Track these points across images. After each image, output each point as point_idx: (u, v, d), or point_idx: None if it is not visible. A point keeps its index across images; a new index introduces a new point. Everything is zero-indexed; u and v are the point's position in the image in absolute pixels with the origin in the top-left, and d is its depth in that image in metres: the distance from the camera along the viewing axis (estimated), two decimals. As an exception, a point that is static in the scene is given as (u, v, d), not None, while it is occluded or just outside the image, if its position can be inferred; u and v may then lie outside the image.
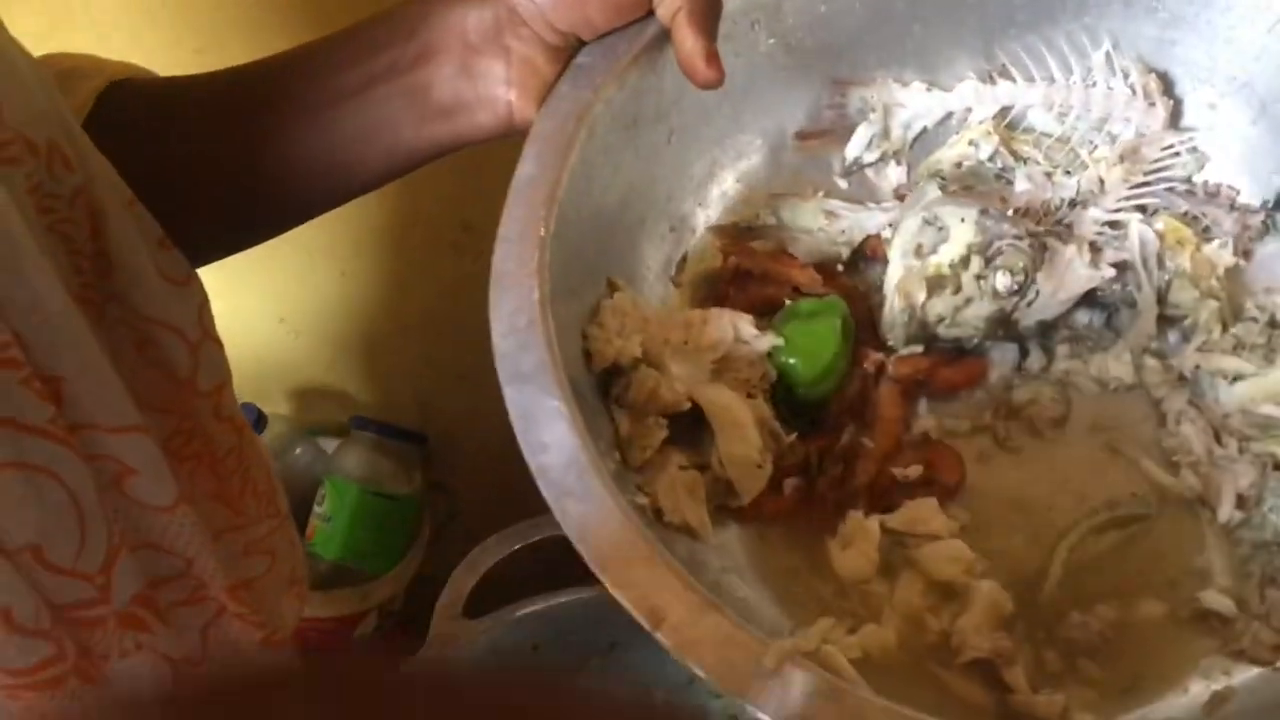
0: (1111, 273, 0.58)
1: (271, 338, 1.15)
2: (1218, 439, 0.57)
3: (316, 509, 1.14)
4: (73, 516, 0.44)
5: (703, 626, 0.40)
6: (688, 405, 0.54)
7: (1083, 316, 0.61)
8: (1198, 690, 0.50)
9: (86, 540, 0.45)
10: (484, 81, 0.54)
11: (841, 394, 0.59)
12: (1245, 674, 0.50)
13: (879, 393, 0.59)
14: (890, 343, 0.61)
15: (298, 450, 1.20)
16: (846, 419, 0.59)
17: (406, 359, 1.18)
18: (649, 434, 0.54)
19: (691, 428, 0.56)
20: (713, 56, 0.52)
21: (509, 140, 0.55)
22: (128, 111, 0.57)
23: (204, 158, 0.59)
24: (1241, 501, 0.55)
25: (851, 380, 0.59)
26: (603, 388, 0.54)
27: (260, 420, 1.14)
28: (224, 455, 0.56)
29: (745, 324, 0.56)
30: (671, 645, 0.40)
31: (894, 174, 0.65)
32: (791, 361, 0.57)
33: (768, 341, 0.56)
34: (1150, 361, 0.59)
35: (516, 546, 0.59)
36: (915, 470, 0.57)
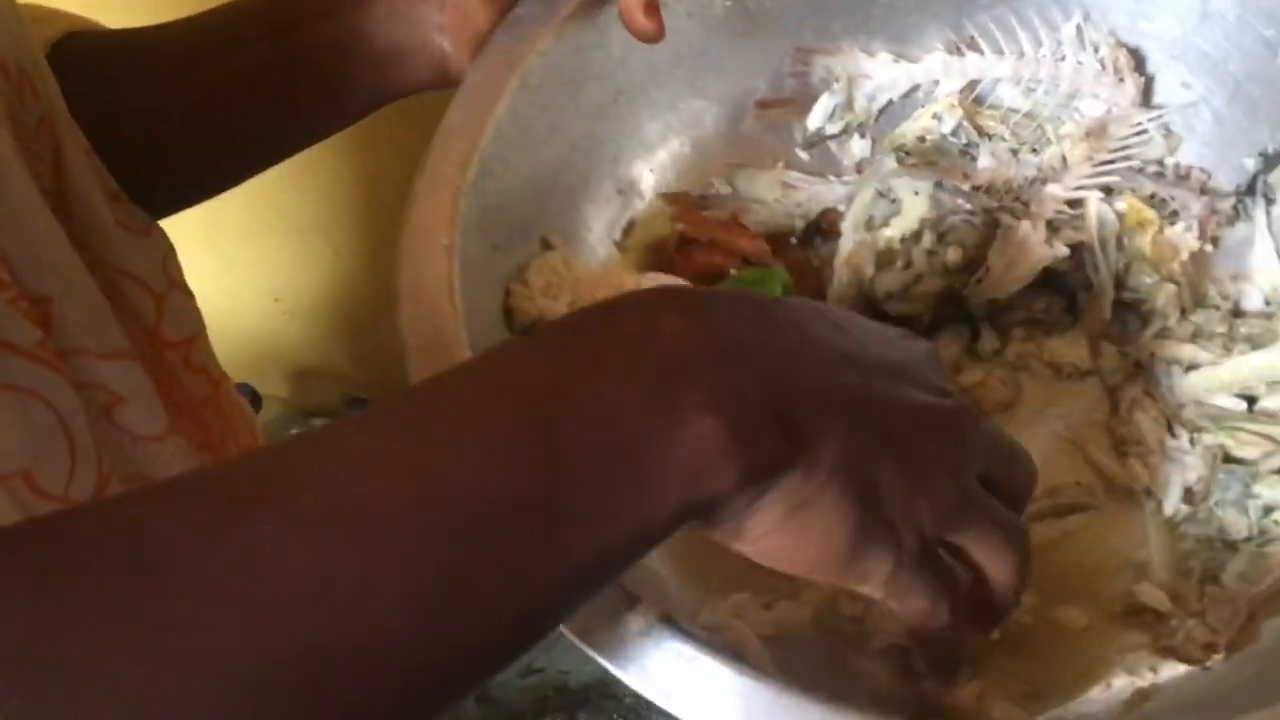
0: (1065, 251, 0.55)
1: (265, 317, 1.15)
2: (1170, 430, 0.54)
3: None
4: (62, 442, 0.43)
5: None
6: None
7: (1041, 300, 0.59)
8: (1121, 685, 0.48)
9: (77, 468, 0.44)
10: (417, 28, 0.53)
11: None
12: (1173, 672, 0.48)
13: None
14: (839, 318, 0.59)
15: (293, 432, 1.20)
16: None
17: (400, 340, 1.17)
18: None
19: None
20: (652, 8, 0.51)
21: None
22: (84, 61, 0.57)
23: (156, 109, 0.58)
24: (1189, 495, 0.53)
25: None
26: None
27: (256, 401, 1.15)
28: (200, 404, 0.56)
29: (680, 289, 0.55)
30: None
31: (857, 147, 0.63)
32: (726, 330, 0.55)
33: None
34: (1106, 348, 0.57)
35: None
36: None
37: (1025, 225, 0.56)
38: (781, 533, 0.33)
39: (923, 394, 0.37)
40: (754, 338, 0.34)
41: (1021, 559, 0.39)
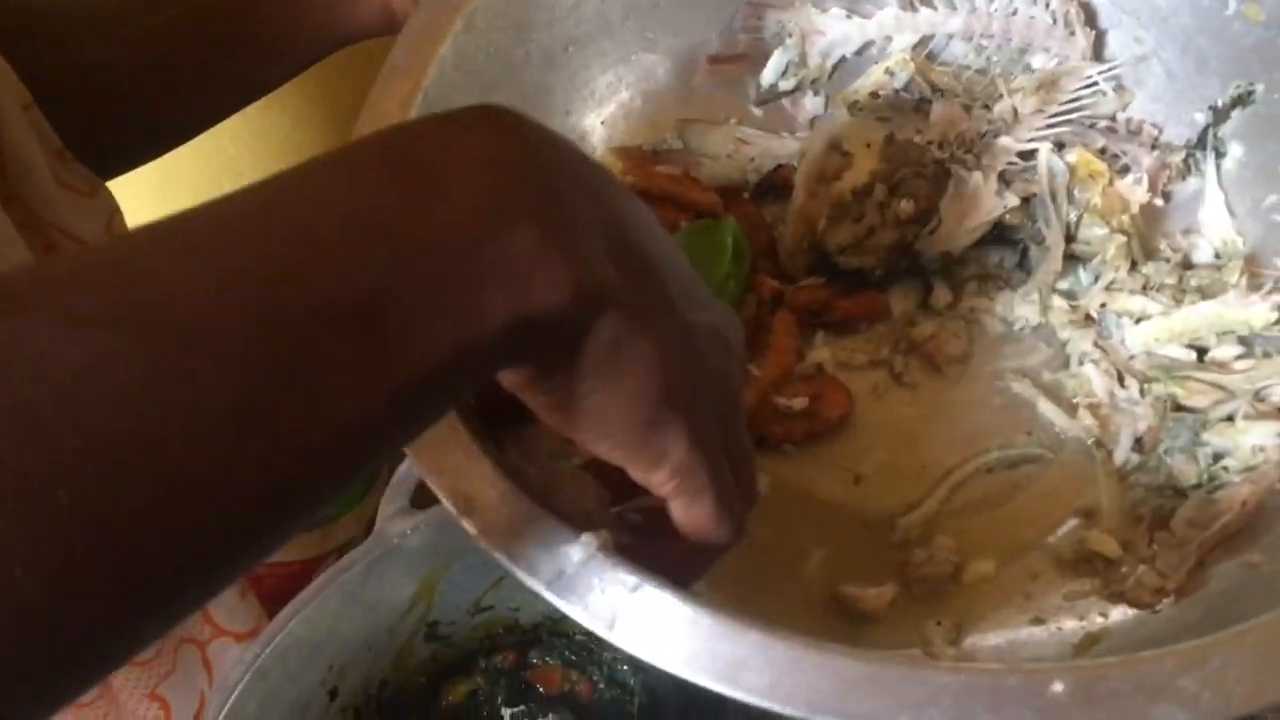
0: (1015, 201, 0.55)
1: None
2: (1120, 381, 0.54)
3: None
4: None
5: (513, 514, 0.38)
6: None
7: (994, 255, 0.59)
8: (1071, 629, 0.48)
9: None
10: None
11: (732, 319, 0.56)
12: (1122, 616, 0.48)
13: (773, 321, 0.57)
14: (791, 272, 0.58)
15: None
16: (736, 346, 0.56)
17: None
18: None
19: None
20: None
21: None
22: (25, 16, 0.56)
23: (100, 61, 0.57)
24: (1139, 444, 0.52)
25: (745, 306, 0.57)
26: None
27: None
28: None
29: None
30: (479, 532, 0.37)
31: (810, 104, 0.63)
32: (677, 280, 0.54)
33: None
34: (1058, 301, 0.57)
35: None
36: (800, 401, 0.54)
37: (977, 177, 0.56)
38: (599, 377, 0.32)
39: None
40: (586, 171, 0.33)
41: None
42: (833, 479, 0.53)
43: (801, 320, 0.57)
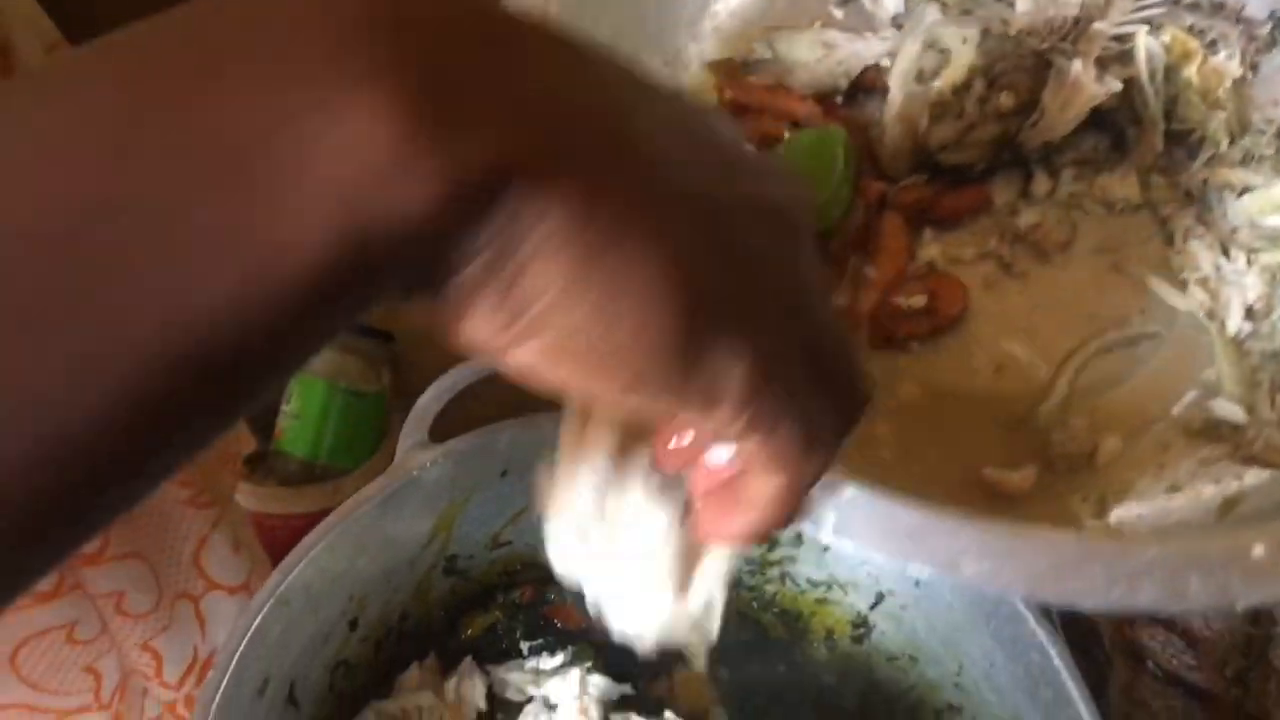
0: (1118, 86, 0.56)
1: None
2: (1225, 253, 0.56)
3: (284, 407, 1.14)
4: None
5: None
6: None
7: (1089, 140, 0.60)
8: (1210, 494, 0.50)
9: None
10: None
11: (845, 225, 0.58)
12: (1258, 478, 0.50)
13: (882, 223, 0.58)
14: (892, 174, 0.60)
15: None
16: (850, 250, 0.58)
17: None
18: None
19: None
20: None
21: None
22: None
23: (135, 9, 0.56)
24: (1250, 313, 0.55)
25: (855, 211, 0.58)
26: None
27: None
28: None
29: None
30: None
31: (891, 2, 0.63)
32: (794, 192, 0.55)
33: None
34: (1157, 180, 0.58)
35: (486, 374, 0.58)
36: (918, 300, 0.56)
37: (1076, 64, 0.57)
38: (573, 304, 0.22)
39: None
40: (517, 22, 0.24)
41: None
42: (960, 372, 0.55)
43: (908, 220, 0.59)
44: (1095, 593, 0.36)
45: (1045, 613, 0.54)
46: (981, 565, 0.36)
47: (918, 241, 0.59)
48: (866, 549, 0.37)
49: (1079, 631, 0.54)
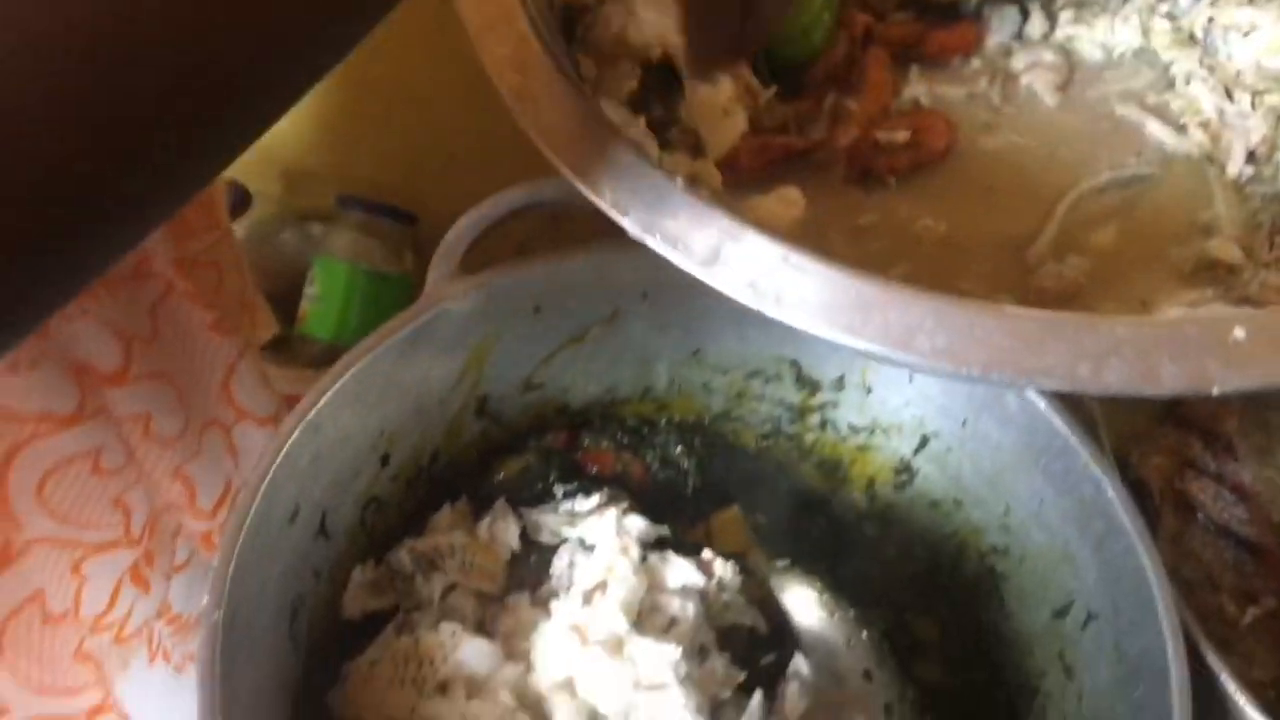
0: (1121, -86, 0.53)
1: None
2: (1229, 96, 0.53)
3: (307, 290, 1.12)
4: None
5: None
6: (658, 53, 0.50)
7: (1089, -19, 0.57)
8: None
9: None
10: None
11: (826, 57, 0.54)
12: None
13: (866, 57, 0.55)
14: (880, 8, 0.56)
15: (285, 234, 1.17)
16: (831, 84, 0.55)
17: (393, 139, 1.13)
18: (619, 81, 0.50)
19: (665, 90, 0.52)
20: None
21: None
22: None
23: None
24: (1252, 156, 0.51)
25: (837, 43, 0.55)
26: (568, 32, 0.50)
27: (246, 199, 1.11)
28: None
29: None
30: (638, 232, 0.37)
31: None
32: (771, 14, 0.52)
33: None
34: (1159, 23, 0.55)
35: (519, 206, 0.56)
36: (901, 134, 0.53)
37: (1078, -111, 0.53)
38: None
39: None
40: None
41: None
42: (942, 210, 0.52)
43: (894, 56, 0.56)
44: (1059, 370, 0.33)
45: (1099, 445, 0.52)
46: (936, 341, 0.33)
47: (903, 79, 0.56)
48: (810, 324, 0.34)
49: (1127, 481, 0.52)
